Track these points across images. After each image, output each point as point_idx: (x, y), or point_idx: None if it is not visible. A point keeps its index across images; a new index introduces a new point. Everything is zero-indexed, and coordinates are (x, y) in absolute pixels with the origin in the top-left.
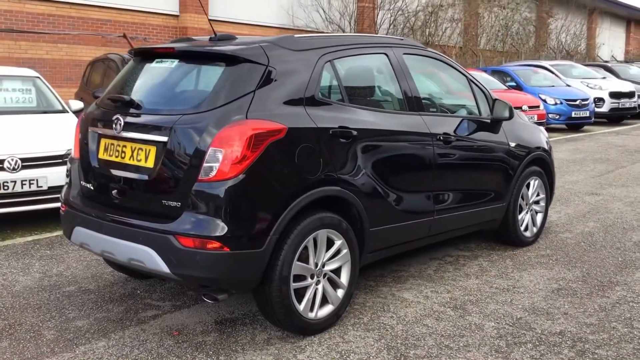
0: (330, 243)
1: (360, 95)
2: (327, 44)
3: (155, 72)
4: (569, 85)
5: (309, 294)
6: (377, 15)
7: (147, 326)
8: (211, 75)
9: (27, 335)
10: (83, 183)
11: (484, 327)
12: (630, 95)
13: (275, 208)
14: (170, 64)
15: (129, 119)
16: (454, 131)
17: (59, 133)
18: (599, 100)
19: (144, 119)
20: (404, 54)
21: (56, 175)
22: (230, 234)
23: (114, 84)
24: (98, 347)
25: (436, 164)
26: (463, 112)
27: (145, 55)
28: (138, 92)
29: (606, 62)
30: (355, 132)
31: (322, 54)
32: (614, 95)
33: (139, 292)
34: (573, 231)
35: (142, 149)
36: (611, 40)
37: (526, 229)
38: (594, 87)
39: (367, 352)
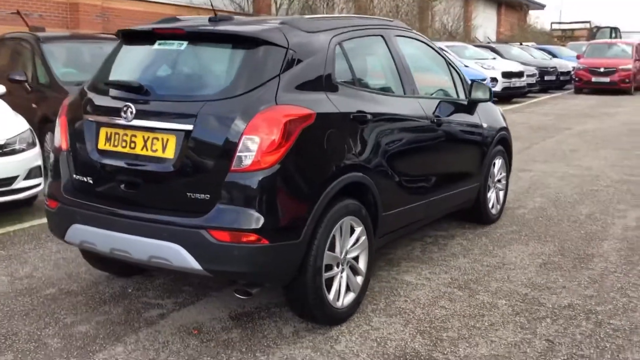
0: (352, 230)
1: (367, 78)
2: (335, 26)
3: (160, 55)
4: (466, 66)
5: (336, 283)
6: None
7: (159, 327)
8: (231, 58)
9: (29, 346)
10: (77, 177)
11: (498, 306)
12: (519, 74)
13: (311, 197)
14: (179, 46)
15: (142, 106)
16: (445, 114)
17: None
18: (493, 80)
19: (159, 106)
20: (395, 36)
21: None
22: (269, 226)
23: (106, 67)
24: (117, 352)
25: (433, 146)
26: (447, 94)
27: (142, 37)
28: (144, 77)
29: (489, 43)
30: (369, 117)
31: (333, 36)
32: (506, 75)
33: (130, 290)
34: (526, 207)
35: (157, 139)
36: (485, 22)
37: (492, 206)
38: (487, 67)
39: (402, 338)
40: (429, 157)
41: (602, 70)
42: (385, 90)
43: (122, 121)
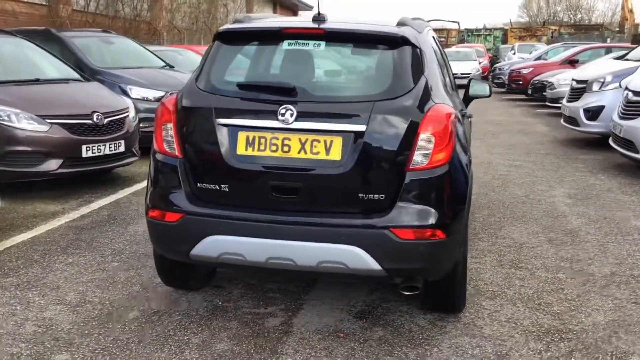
0: None
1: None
2: (423, 26)
3: (294, 56)
4: None
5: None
6: None
7: (299, 335)
8: (379, 58)
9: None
10: (206, 185)
11: (561, 280)
12: None
13: (467, 189)
14: (316, 46)
15: (302, 108)
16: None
17: None
18: None
19: (322, 107)
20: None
21: None
22: (446, 221)
23: (218, 68)
24: None
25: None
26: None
27: (265, 37)
28: (290, 78)
29: None
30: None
31: (430, 36)
32: None
33: (220, 303)
34: (498, 193)
35: (318, 141)
36: None
37: None
38: None
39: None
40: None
41: None
42: (451, 88)
43: (277, 124)
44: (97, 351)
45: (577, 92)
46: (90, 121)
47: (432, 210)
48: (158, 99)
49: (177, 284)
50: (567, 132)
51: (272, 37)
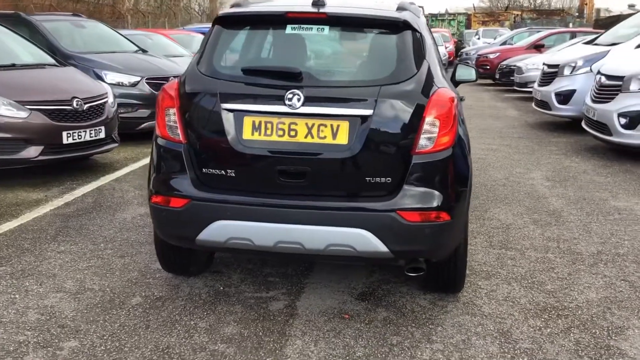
0: None
1: None
2: (419, 11)
3: (298, 40)
4: None
5: None
6: None
7: (305, 318)
8: (382, 42)
9: (202, 355)
10: (211, 170)
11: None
12: None
13: (469, 171)
14: (319, 31)
15: (309, 93)
16: None
17: None
18: None
19: (328, 92)
20: None
21: None
22: (452, 203)
23: (219, 53)
24: (305, 347)
25: None
26: None
27: (268, 21)
28: (295, 62)
29: None
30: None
31: (424, 21)
32: None
33: (222, 288)
34: (478, 176)
35: (325, 125)
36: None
37: None
38: None
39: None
40: None
41: None
42: None
43: (284, 109)
44: (105, 337)
45: (549, 77)
46: (70, 107)
47: (437, 192)
48: (133, 84)
49: (177, 270)
50: (537, 116)
51: (275, 21)
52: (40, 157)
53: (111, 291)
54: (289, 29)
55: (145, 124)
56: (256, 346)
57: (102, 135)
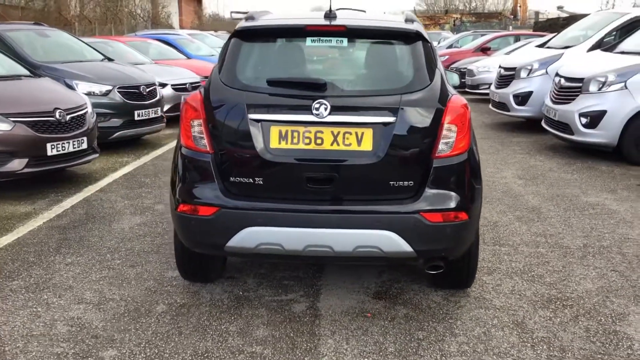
0: None
1: None
2: (420, 23)
3: (321, 52)
4: None
5: None
6: None
7: (330, 318)
8: (399, 53)
9: (240, 357)
10: (240, 179)
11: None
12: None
13: (480, 173)
14: (339, 42)
15: (335, 102)
16: None
17: None
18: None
19: (353, 101)
20: None
21: None
22: (469, 203)
23: (242, 65)
24: (337, 347)
25: None
26: None
27: (287, 34)
28: (318, 73)
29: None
30: None
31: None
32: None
33: (241, 293)
34: None
35: (350, 133)
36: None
37: None
38: None
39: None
40: None
41: None
42: None
43: (312, 118)
44: (142, 345)
45: (506, 79)
46: (53, 118)
47: (456, 194)
48: (105, 94)
49: (198, 277)
50: (493, 116)
51: (295, 34)
52: (26, 170)
53: (133, 300)
54: (308, 42)
55: (117, 133)
56: (291, 347)
57: (85, 145)
